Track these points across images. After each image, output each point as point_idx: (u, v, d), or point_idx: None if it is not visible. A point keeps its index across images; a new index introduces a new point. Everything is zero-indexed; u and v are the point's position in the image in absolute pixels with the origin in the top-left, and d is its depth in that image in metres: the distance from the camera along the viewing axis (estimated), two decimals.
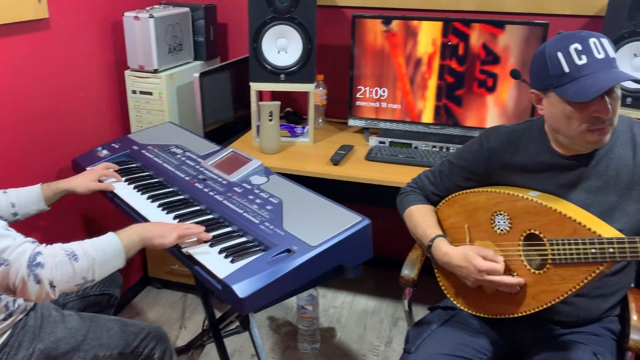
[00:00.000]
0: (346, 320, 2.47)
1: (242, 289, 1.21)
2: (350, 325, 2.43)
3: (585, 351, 1.34)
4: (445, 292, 1.54)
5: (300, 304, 2.19)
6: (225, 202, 1.55)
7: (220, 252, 1.36)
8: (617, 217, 1.32)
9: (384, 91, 2.32)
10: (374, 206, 2.49)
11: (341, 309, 2.54)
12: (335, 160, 2.10)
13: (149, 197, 1.65)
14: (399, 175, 1.95)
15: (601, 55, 1.20)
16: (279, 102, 2.15)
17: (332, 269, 1.35)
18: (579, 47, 1.21)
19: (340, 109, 2.53)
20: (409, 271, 1.59)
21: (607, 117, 1.22)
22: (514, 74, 1.96)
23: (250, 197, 1.56)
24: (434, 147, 2.21)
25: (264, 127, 2.15)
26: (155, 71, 2.22)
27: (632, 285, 1.51)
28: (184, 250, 1.39)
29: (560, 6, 2.19)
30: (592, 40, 1.21)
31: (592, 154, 1.34)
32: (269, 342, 2.32)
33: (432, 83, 2.25)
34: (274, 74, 2.20)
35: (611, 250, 1.17)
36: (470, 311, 1.48)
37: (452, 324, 1.48)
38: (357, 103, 2.36)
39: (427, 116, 2.31)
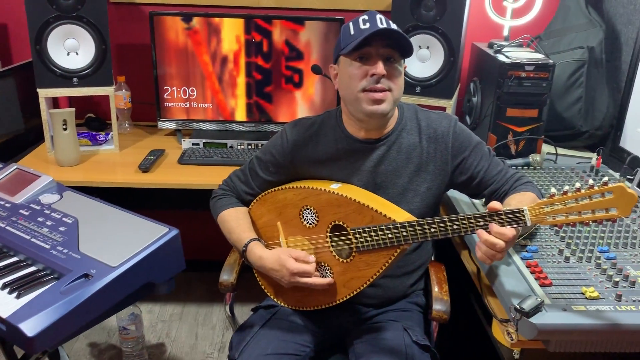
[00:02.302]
0: (176, 332, 2.35)
1: (30, 327, 1.07)
2: (180, 338, 2.32)
3: (397, 327, 1.43)
4: (266, 291, 1.53)
5: (121, 325, 2.03)
6: (8, 228, 1.36)
7: (4, 287, 1.19)
8: (410, 197, 1.43)
9: (192, 90, 2.24)
10: (194, 210, 2.40)
11: (170, 322, 2.41)
12: (145, 167, 1.97)
13: None
14: (215, 177, 1.89)
15: (383, 25, 1.31)
16: (73, 109, 1.95)
17: (140, 288, 1.26)
18: (366, 17, 1.34)
19: (149, 111, 2.39)
20: (227, 276, 1.55)
21: (379, 74, 1.31)
22: (315, 70, 2.02)
23: (40, 219, 1.38)
24: (249, 145, 2.19)
25: (58, 137, 1.94)
26: None
27: (432, 258, 1.65)
28: None
29: (354, 2, 2.31)
30: (378, 16, 1.34)
31: (384, 138, 1.42)
32: None
33: (241, 80, 2.23)
34: (66, 78, 1.99)
35: (405, 233, 1.25)
36: (290, 307, 1.49)
37: (274, 323, 1.48)
38: (166, 104, 2.25)
39: (240, 114, 2.28)
